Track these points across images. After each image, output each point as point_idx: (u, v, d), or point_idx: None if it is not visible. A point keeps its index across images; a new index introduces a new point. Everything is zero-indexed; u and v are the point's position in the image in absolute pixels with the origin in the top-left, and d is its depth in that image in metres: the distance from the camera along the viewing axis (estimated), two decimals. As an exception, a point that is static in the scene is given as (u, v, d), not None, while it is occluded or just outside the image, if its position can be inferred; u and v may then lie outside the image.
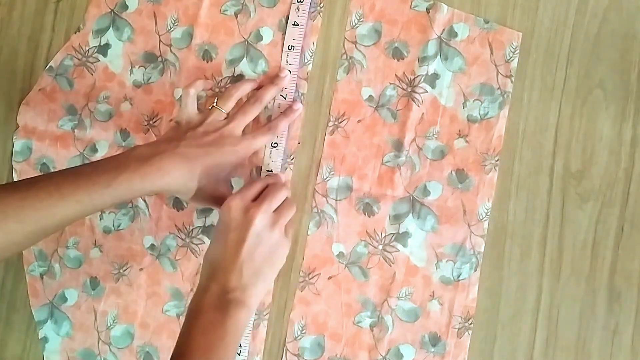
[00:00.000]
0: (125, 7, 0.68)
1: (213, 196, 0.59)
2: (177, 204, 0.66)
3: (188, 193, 0.57)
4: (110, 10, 0.68)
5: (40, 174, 0.67)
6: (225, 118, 0.62)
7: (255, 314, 0.63)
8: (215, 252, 0.56)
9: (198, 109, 0.64)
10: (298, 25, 0.65)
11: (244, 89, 0.63)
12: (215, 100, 0.62)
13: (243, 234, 0.55)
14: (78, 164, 0.66)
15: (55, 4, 0.69)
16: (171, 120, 0.65)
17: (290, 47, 0.65)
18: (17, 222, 0.50)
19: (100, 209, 0.56)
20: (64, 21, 0.69)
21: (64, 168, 0.65)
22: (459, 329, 0.61)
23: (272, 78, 0.65)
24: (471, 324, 0.61)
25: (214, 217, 0.65)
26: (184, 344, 0.52)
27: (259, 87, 0.65)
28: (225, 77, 0.66)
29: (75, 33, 0.68)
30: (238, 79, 0.65)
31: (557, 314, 0.61)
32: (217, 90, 0.66)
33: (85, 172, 0.54)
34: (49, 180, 0.53)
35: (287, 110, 0.64)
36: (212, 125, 0.60)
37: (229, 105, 0.62)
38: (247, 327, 0.63)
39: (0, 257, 0.52)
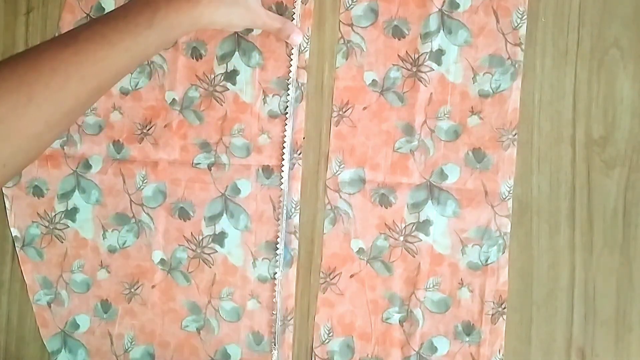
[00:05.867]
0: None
1: (248, 13, 0.55)
2: (183, 213, 0.62)
3: (223, 17, 0.53)
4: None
5: (32, 197, 0.64)
6: None
7: (280, 320, 0.61)
8: None
9: (193, 110, 0.61)
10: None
11: None
12: None
13: None
14: (72, 184, 0.63)
15: (25, 16, 0.65)
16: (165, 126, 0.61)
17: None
18: (79, 80, 0.46)
19: (145, 56, 0.51)
20: (37, 33, 0.65)
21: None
22: (492, 314, 0.59)
23: None
24: (505, 308, 0.59)
25: (223, 224, 0.62)
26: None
27: None
28: (218, 75, 0.62)
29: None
30: (232, 75, 0.62)
31: (594, 288, 0.58)
32: (211, 90, 0.62)
33: (121, 16, 0.49)
34: (89, 30, 0.47)
35: None
36: None
37: None
38: (272, 332, 0.60)
39: (65, 125, 0.47)
